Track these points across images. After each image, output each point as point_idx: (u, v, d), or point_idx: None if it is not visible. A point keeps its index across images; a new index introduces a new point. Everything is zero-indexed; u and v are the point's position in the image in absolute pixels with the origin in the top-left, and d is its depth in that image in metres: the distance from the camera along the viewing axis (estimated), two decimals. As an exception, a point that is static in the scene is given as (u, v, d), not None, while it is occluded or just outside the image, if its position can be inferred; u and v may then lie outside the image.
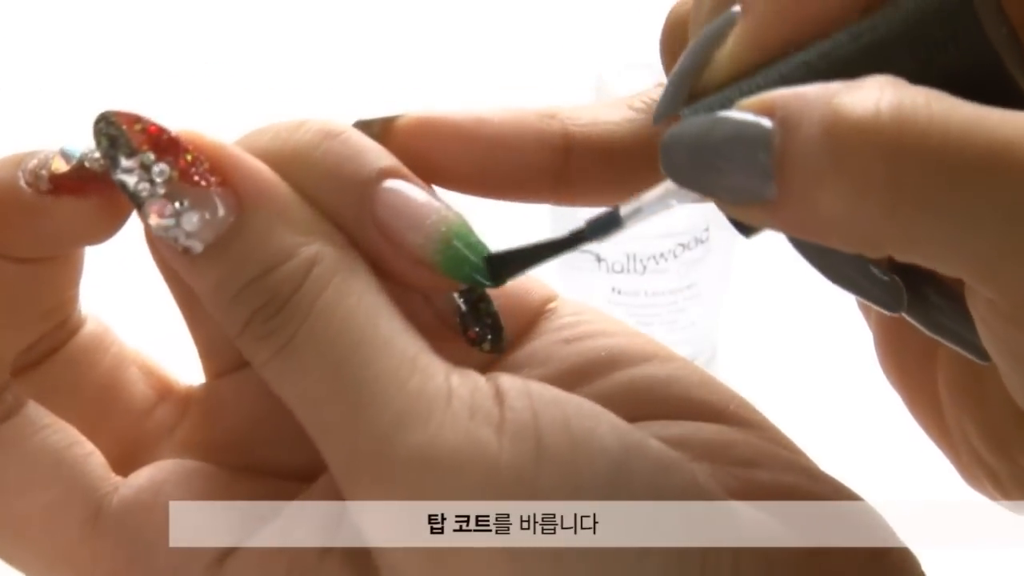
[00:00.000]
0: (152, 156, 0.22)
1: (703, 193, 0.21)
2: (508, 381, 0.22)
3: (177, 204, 0.22)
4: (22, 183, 0.23)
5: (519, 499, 0.20)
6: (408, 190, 0.23)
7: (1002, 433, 0.24)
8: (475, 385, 0.21)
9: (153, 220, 0.22)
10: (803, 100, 0.19)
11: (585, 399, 0.22)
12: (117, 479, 0.23)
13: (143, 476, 0.23)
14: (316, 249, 0.22)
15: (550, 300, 0.26)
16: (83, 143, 0.23)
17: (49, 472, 0.22)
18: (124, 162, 0.22)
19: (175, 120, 0.23)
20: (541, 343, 0.25)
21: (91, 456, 0.23)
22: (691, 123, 0.20)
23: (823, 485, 0.23)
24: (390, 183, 0.23)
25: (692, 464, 0.22)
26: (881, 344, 0.27)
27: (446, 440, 0.20)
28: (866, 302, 0.23)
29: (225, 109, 0.70)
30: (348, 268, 0.22)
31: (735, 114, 0.19)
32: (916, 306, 0.23)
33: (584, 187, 0.25)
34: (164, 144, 0.22)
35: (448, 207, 0.23)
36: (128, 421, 0.25)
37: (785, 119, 0.19)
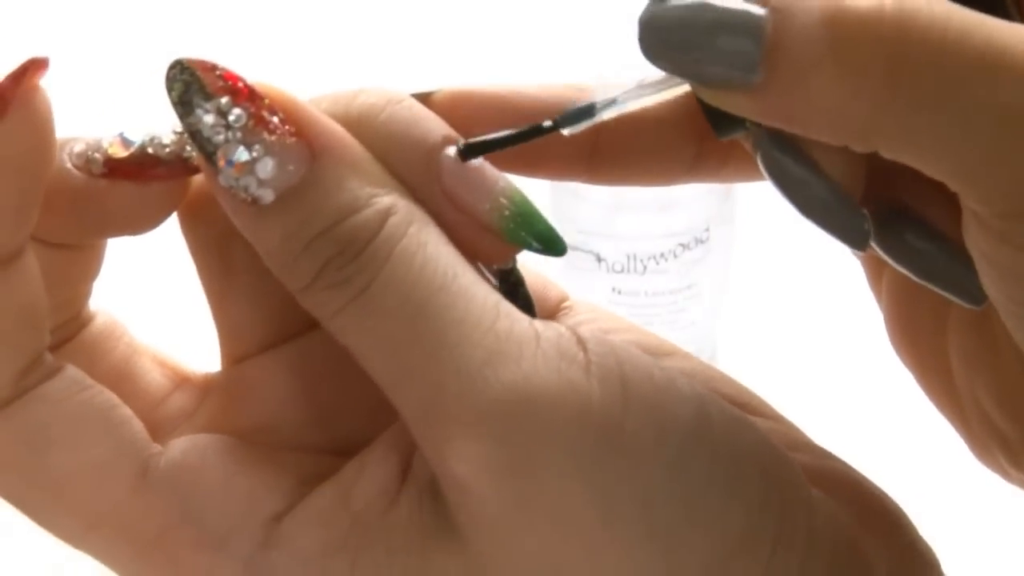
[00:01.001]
0: (229, 100, 0.22)
1: (682, 75, 0.21)
2: (587, 330, 0.22)
3: (252, 151, 0.21)
4: (69, 165, 0.22)
5: (609, 437, 0.20)
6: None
7: (1015, 396, 0.24)
8: (559, 331, 0.21)
9: (225, 167, 0.22)
10: None
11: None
12: (158, 445, 0.23)
13: (183, 442, 0.23)
14: (390, 200, 0.22)
15: (564, 300, 0.26)
16: (142, 130, 0.23)
17: (98, 427, 0.22)
18: (200, 106, 0.22)
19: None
20: None
21: (134, 420, 0.23)
22: (675, 4, 0.20)
23: (856, 473, 0.24)
24: (454, 150, 0.23)
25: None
26: (892, 319, 0.27)
27: (539, 377, 0.20)
28: (833, 236, 0.23)
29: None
30: (423, 219, 0.22)
31: (725, 1, 0.20)
32: (904, 252, 0.23)
33: (614, 160, 0.25)
34: (240, 91, 0.22)
35: (506, 177, 0.23)
36: (143, 407, 0.25)
37: (779, 7, 0.19)
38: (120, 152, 0.22)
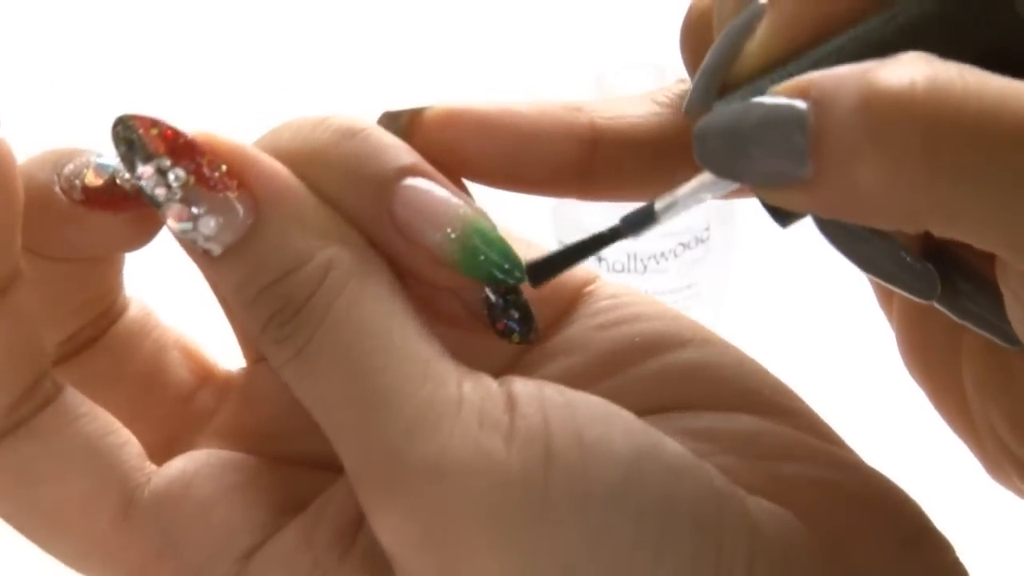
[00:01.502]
0: (168, 162, 0.22)
1: (737, 179, 0.21)
2: (521, 386, 0.21)
3: (194, 208, 0.22)
4: (57, 188, 0.23)
5: (528, 508, 0.20)
6: (428, 187, 0.22)
7: None
8: (486, 392, 0.21)
9: (172, 224, 0.22)
10: (837, 79, 0.19)
11: (603, 401, 0.22)
12: (151, 468, 0.23)
13: (175, 467, 0.23)
14: (332, 253, 0.22)
15: (588, 283, 0.25)
16: (115, 157, 0.23)
17: (83, 462, 0.22)
18: (141, 167, 0.22)
19: (191, 119, 0.23)
20: (575, 329, 0.25)
21: (126, 446, 0.23)
22: (725, 111, 0.20)
23: (853, 476, 0.23)
24: (410, 181, 0.22)
25: (717, 458, 0.22)
26: (904, 340, 0.26)
27: (455, 450, 0.20)
28: (899, 290, 0.23)
29: (237, 107, 0.70)
30: (363, 272, 0.22)
31: (768, 98, 0.20)
32: (944, 293, 0.23)
33: (609, 181, 0.24)
34: (180, 149, 0.22)
35: (470, 204, 0.23)
36: (169, 407, 0.25)
37: (819, 99, 0.19)
38: (95, 181, 0.23)
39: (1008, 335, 0.22)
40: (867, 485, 0.23)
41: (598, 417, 0.21)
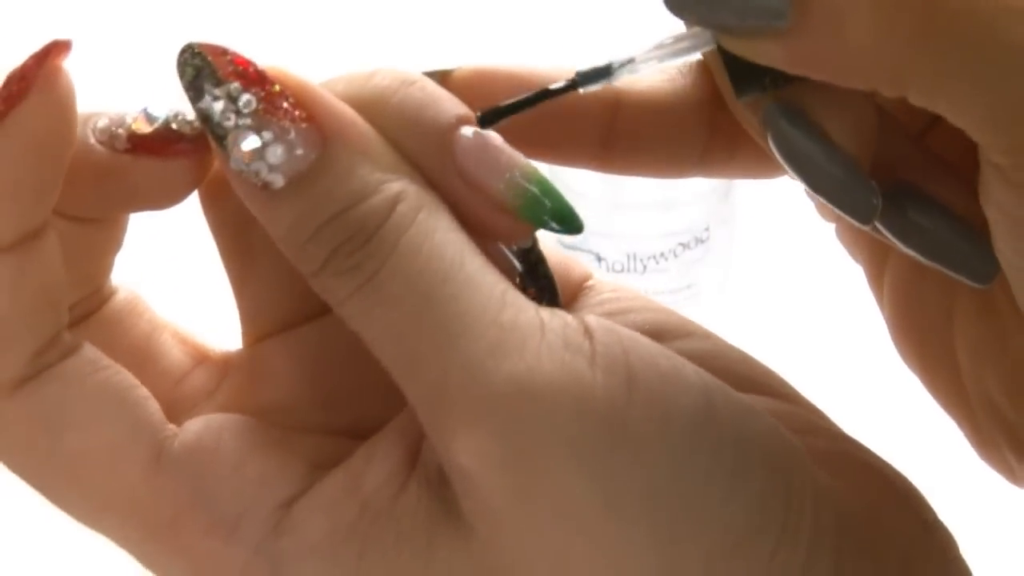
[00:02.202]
0: (239, 86, 0.22)
1: (709, 25, 0.20)
2: (594, 319, 0.22)
3: (263, 136, 0.21)
4: (92, 140, 0.22)
5: (612, 429, 0.20)
6: (487, 136, 0.23)
7: None
8: (565, 320, 0.21)
9: (240, 150, 0.21)
10: None
11: (664, 347, 0.22)
12: (173, 426, 0.23)
13: (199, 423, 0.23)
14: (400, 186, 0.22)
15: (587, 278, 0.26)
16: (166, 105, 0.23)
17: (114, 408, 0.22)
18: (211, 91, 0.22)
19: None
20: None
21: (151, 400, 0.23)
22: None
23: (872, 456, 0.24)
24: (468, 129, 0.23)
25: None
26: (894, 318, 0.27)
27: (543, 369, 0.20)
28: (840, 211, 0.22)
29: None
30: (432, 205, 0.22)
31: None
32: (909, 229, 0.23)
33: (629, 147, 0.25)
34: (251, 76, 0.22)
35: (522, 156, 0.23)
36: (164, 384, 0.25)
37: None
38: (144, 128, 0.22)
39: (979, 272, 0.22)
40: (885, 466, 0.23)
41: (670, 354, 0.21)
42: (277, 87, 0.22)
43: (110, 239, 0.24)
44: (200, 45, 0.22)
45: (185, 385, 0.25)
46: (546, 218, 0.23)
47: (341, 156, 0.22)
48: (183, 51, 0.22)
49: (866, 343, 0.28)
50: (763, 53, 0.20)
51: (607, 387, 0.20)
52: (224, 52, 0.22)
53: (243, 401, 0.25)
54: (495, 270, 0.22)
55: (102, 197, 0.23)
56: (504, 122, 0.23)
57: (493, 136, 0.23)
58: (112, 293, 0.25)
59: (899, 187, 0.23)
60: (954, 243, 0.22)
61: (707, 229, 0.57)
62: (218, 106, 0.22)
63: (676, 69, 0.25)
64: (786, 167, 0.22)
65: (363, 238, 0.21)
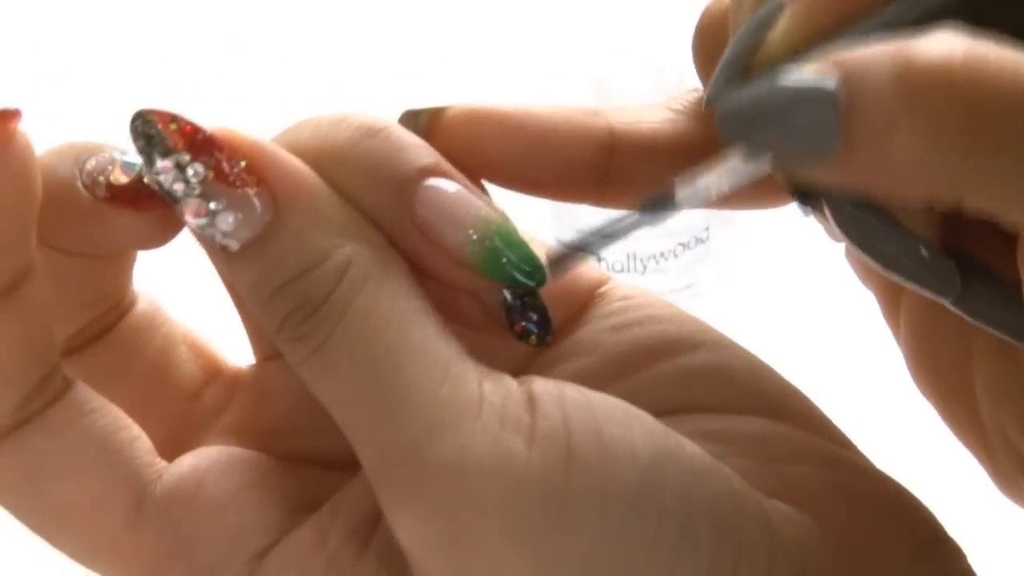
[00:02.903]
0: (187, 156, 0.21)
1: (762, 156, 0.20)
2: (541, 386, 0.21)
3: (212, 204, 0.21)
4: (79, 184, 0.22)
5: (548, 508, 0.20)
6: (449, 188, 0.22)
7: None
8: (507, 391, 0.21)
9: (189, 219, 0.21)
10: (867, 55, 0.19)
11: (621, 402, 0.21)
12: (162, 464, 0.23)
13: (186, 464, 0.23)
14: (351, 251, 0.22)
15: (601, 284, 0.25)
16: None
17: (94, 460, 0.22)
18: (159, 162, 0.22)
19: (208, 117, 0.22)
20: (589, 330, 0.24)
21: (137, 441, 0.23)
22: (750, 88, 0.20)
23: (865, 480, 0.23)
24: (431, 181, 0.22)
25: (731, 460, 0.22)
26: (913, 354, 0.26)
27: (476, 450, 0.20)
28: (919, 288, 0.23)
29: (250, 106, 0.70)
30: (383, 271, 0.22)
31: (797, 75, 0.20)
32: (969, 301, 0.23)
33: (625, 186, 0.24)
34: (199, 144, 0.22)
35: (491, 205, 0.23)
36: (176, 403, 0.25)
37: (850, 74, 0.19)
38: (120, 179, 0.22)
39: (1018, 330, 0.22)
40: (879, 490, 0.23)
41: (618, 418, 0.21)
42: (225, 153, 0.22)
43: (119, 265, 0.24)
44: (149, 112, 0.22)
45: (196, 405, 0.25)
46: (508, 272, 0.22)
47: (292, 220, 0.21)
48: (134, 119, 0.22)
49: (866, 343, 0.27)
50: (821, 178, 0.20)
51: (544, 465, 0.20)
52: (173, 119, 0.22)
53: (246, 424, 0.25)
54: (446, 335, 0.22)
55: (89, 238, 0.23)
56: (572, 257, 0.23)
57: (453, 188, 0.22)
58: (132, 304, 0.25)
59: (953, 252, 0.23)
60: (1001, 308, 0.22)
61: (707, 229, 0.57)
62: (168, 176, 0.21)
63: (669, 108, 0.25)
64: (866, 259, 0.22)
65: (311, 308, 0.21)
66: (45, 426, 0.22)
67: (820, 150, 0.19)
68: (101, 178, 0.22)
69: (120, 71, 0.79)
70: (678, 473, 0.20)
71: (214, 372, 0.26)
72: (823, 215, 0.23)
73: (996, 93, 0.18)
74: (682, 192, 0.22)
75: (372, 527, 0.22)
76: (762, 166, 0.21)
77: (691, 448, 0.21)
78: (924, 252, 0.22)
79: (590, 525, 0.20)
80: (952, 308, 0.23)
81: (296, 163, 0.22)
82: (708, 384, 0.24)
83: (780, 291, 0.65)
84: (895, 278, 0.22)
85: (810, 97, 0.19)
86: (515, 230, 0.23)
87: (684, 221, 0.56)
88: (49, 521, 0.23)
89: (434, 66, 0.79)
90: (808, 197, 0.22)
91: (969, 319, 0.23)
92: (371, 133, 0.22)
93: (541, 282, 0.23)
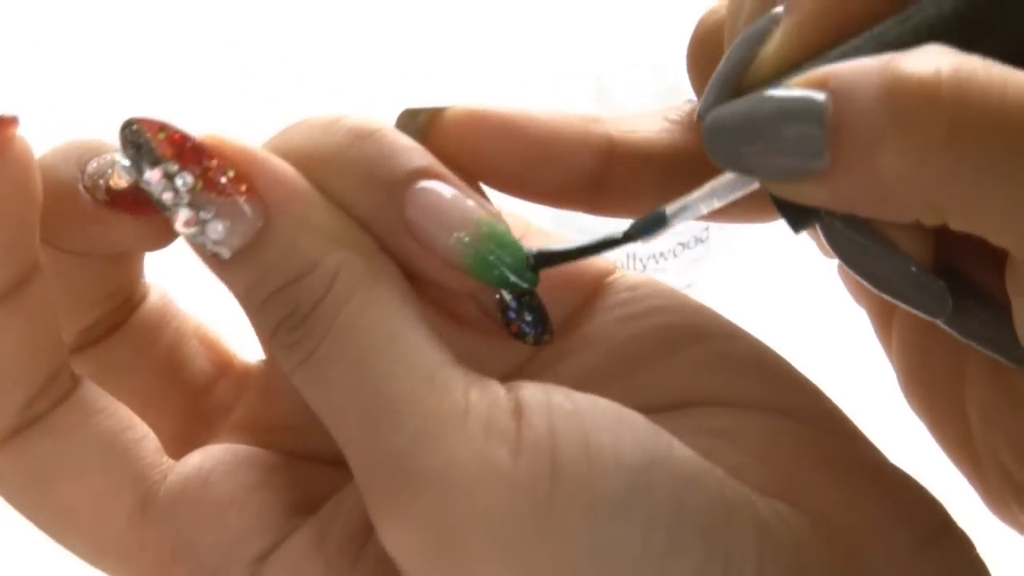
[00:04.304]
0: (176, 166, 0.21)
1: (750, 172, 0.20)
2: (529, 393, 0.21)
3: (201, 213, 0.21)
4: (80, 186, 0.22)
5: (533, 518, 0.20)
6: (441, 190, 0.22)
7: None
8: (493, 400, 0.21)
9: (180, 228, 0.22)
10: (856, 69, 0.19)
11: (613, 405, 0.21)
12: (168, 464, 0.23)
13: (191, 464, 0.23)
14: (340, 258, 0.21)
15: (607, 274, 0.25)
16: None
17: (100, 460, 0.22)
18: (147, 171, 0.22)
19: (202, 119, 0.22)
20: (594, 323, 0.24)
21: (143, 441, 0.23)
22: (737, 104, 0.20)
23: (868, 473, 0.23)
24: (423, 184, 0.22)
25: (733, 457, 0.22)
26: (905, 372, 0.26)
27: (460, 460, 0.20)
28: (909, 308, 0.23)
29: (246, 107, 0.70)
30: (372, 279, 0.22)
31: (784, 90, 0.20)
32: (960, 319, 0.23)
33: (621, 195, 0.24)
34: (188, 153, 0.22)
35: (485, 207, 0.23)
36: (187, 398, 0.25)
37: (838, 88, 0.19)
38: (119, 183, 0.22)
39: (1014, 354, 0.22)
40: (884, 483, 0.23)
41: (606, 424, 0.21)
42: (215, 161, 0.22)
43: (127, 262, 0.25)
44: (139, 121, 0.22)
45: (207, 398, 0.25)
46: (499, 274, 0.22)
47: (283, 227, 0.21)
48: (124, 127, 0.22)
49: (867, 343, 0.27)
50: (806, 195, 0.20)
51: (529, 475, 0.20)
52: (162, 128, 0.22)
53: (255, 420, 0.25)
54: (434, 343, 0.21)
55: (91, 238, 0.23)
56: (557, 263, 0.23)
57: (444, 190, 0.22)
58: (143, 297, 0.25)
59: (944, 271, 0.23)
60: (993, 328, 0.22)
61: (707, 229, 0.57)
62: (158, 186, 0.22)
63: (665, 118, 0.25)
64: (858, 278, 0.22)
65: (301, 316, 0.21)
66: (51, 428, 0.22)
67: (808, 165, 0.19)
68: (101, 181, 0.22)
69: (120, 71, 0.79)
70: (667, 479, 0.20)
71: (225, 367, 0.26)
72: (815, 231, 0.23)
73: (984, 111, 0.18)
74: (672, 211, 0.22)
75: (369, 531, 0.22)
76: (750, 184, 0.21)
77: (681, 452, 0.21)
78: (915, 271, 0.22)
79: (576, 534, 0.20)
80: (943, 326, 0.23)
81: (286, 169, 0.22)
82: (713, 376, 0.24)
83: (780, 291, 0.65)
84: (886, 297, 0.22)
85: (798, 111, 0.19)
86: (507, 232, 0.23)
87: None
88: (55, 521, 0.23)
89: (434, 66, 0.79)
90: (797, 215, 0.22)
91: (960, 338, 0.23)
92: (363, 136, 0.22)
93: (533, 283, 0.23)
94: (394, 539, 0.20)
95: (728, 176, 0.21)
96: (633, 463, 0.20)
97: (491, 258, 0.22)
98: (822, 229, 0.22)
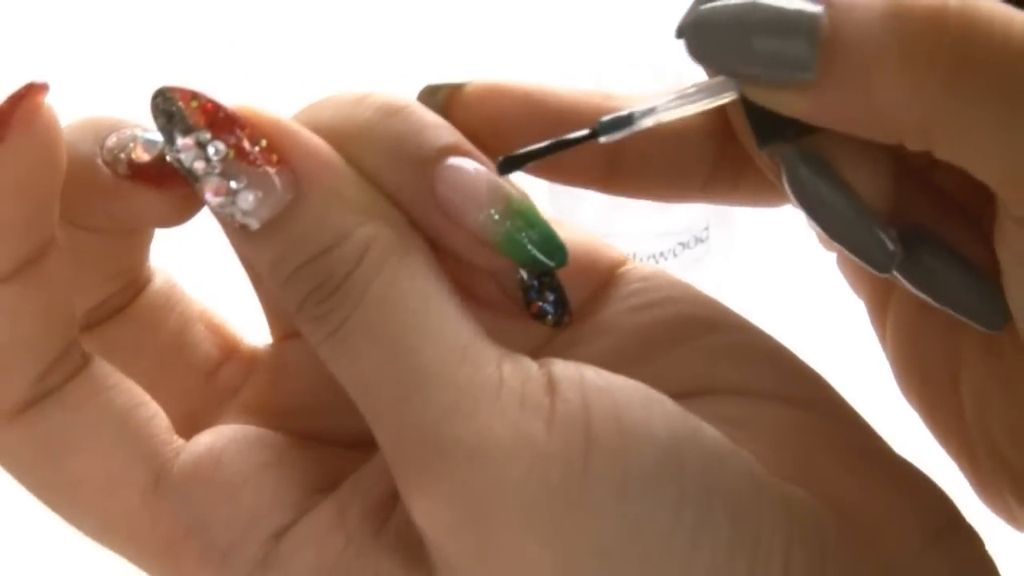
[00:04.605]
0: (208, 134, 0.21)
1: (733, 75, 0.20)
2: (561, 368, 0.21)
3: (232, 183, 0.21)
4: (99, 161, 0.22)
5: (567, 491, 0.20)
6: (470, 167, 0.22)
7: None
8: (527, 374, 0.21)
9: (210, 197, 0.21)
10: None
11: (641, 385, 0.21)
12: (179, 442, 0.23)
13: (203, 443, 0.23)
14: (372, 230, 0.21)
15: (620, 264, 0.25)
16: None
17: (112, 436, 0.22)
18: (180, 139, 0.21)
19: (229, 94, 0.22)
20: (607, 312, 0.24)
21: (155, 419, 0.23)
22: (727, 3, 0.20)
23: (880, 465, 0.23)
24: (452, 160, 0.22)
25: (748, 445, 0.22)
26: (899, 359, 0.26)
27: (494, 434, 0.20)
28: (857, 258, 0.22)
29: (264, 86, 0.70)
30: (403, 250, 0.22)
31: None
32: (922, 274, 0.23)
33: (635, 172, 0.24)
34: (220, 121, 0.21)
35: (512, 185, 0.23)
36: (193, 381, 0.25)
37: (838, 2, 0.19)
38: (142, 156, 0.22)
39: (990, 318, 0.22)
40: (896, 475, 0.23)
41: (637, 401, 0.21)
42: (247, 131, 0.21)
43: (138, 241, 0.24)
44: (170, 89, 0.22)
45: (212, 383, 0.25)
46: (529, 251, 0.22)
47: (314, 199, 0.21)
48: (155, 95, 0.22)
49: (867, 342, 0.27)
50: (788, 105, 0.20)
51: (563, 449, 0.20)
52: (194, 96, 0.22)
53: (264, 402, 0.25)
54: (466, 315, 0.21)
55: (110, 214, 0.23)
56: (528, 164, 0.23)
57: (474, 167, 0.22)
58: (148, 280, 0.25)
59: (911, 230, 0.23)
60: (967, 289, 0.22)
61: (707, 229, 0.57)
62: (189, 154, 0.21)
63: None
64: (805, 215, 0.22)
65: (331, 287, 0.21)
66: (63, 401, 0.22)
67: (794, 77, 0.19)
68: (123, 156, 0.22)
69: (120, 71, 0.79)
70: (697, 457, 0.20)
71: (230, 351, 0.26)
72: (777, 171, 0.22)
73: (986, 42, 0.18)
74: (639, 112, 0.22)
75: (391, 506, 0.22)
76: (719, 93, 0.21)
77: (710, 432, 0.21)
78: (867, 217, 0.22)
79: (608, 508, 0.20)
80: (903, 282, 0.23)
81: (317, 142, 0.22)
82: (725, 367, 0.24)
83: (780, 291, 0.65)
84: (836, 245, 0.22)
85: (792, 20, 0.19)
86: (536, 210, 0.23)
87: (684, 221, 0.56)
88: (65, 497, 0.22)
89: (433, 66, 0.79)
90: (766, 130, 0.21)
91: (914, 290, 0.23)
92: (392, 112, 0.22)
93: (562, 262, 0.23)
94: (425, 512, 0.20)
95: (704, 79, 0.21)
96: (664, 440, 0.20)
97: (521, 235, 0.22)
98: (784, 166, 0.22)
